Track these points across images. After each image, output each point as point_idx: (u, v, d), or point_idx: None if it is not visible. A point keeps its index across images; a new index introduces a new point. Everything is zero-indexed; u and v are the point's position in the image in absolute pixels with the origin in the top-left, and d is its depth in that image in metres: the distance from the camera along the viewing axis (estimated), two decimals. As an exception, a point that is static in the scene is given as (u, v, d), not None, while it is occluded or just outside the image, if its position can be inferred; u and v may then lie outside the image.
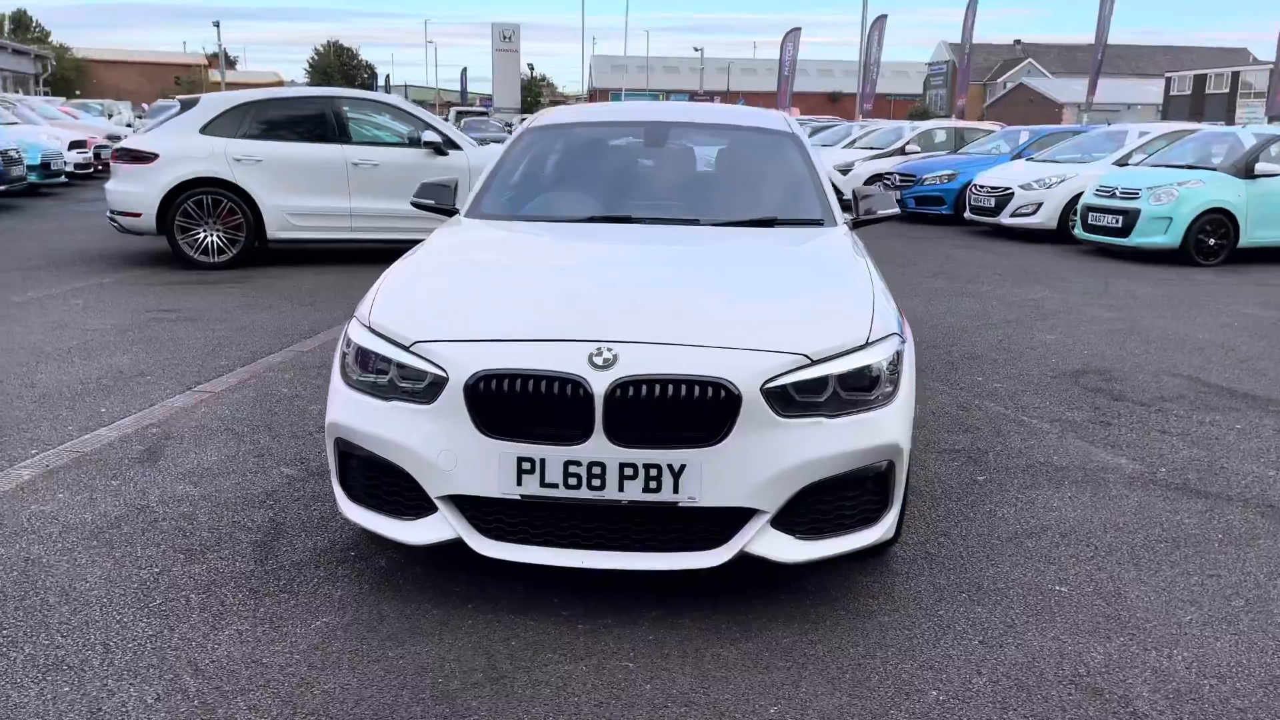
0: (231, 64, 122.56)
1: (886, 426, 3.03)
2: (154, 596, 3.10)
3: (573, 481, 2.86)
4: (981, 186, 14.17)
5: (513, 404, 2.87)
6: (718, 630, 2.98)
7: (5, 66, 56.86)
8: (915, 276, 10.15)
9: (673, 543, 2.96)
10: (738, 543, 2.94)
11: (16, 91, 53.76)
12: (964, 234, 14.24)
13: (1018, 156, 15.52)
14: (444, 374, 2.94)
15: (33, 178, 16.16)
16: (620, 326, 2.99)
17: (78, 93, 71.50)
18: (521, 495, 2.89)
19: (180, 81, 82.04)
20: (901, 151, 17.94)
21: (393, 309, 3.26)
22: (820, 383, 2.97)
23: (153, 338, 6.65)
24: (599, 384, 2.83)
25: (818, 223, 4.18)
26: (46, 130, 19.33)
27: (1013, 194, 13.63)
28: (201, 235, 9.53)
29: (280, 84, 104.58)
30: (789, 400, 2.93)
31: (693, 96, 71.16)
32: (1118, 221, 11.61)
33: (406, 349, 3.04)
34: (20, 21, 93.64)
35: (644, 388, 2.83)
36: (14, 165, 14.82)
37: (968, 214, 14.44)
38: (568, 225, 4.15)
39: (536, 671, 2.74)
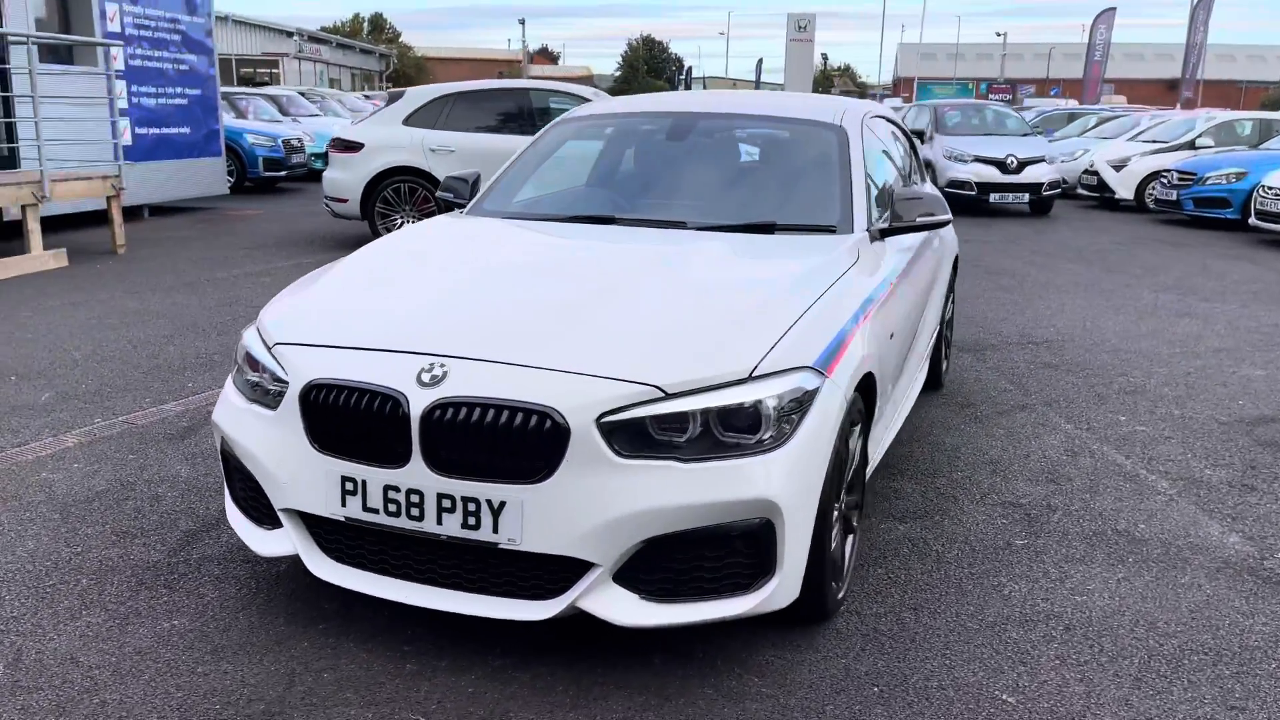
0: (554, 59, 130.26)
1: (760, 477, 2.53)
2: (51, 577, 3.18)
3: (392, 508, 2.61)
4: (1270, 188, 12.13)
5: (338, 418, 2.66)
6: (549, 692, 2.62)
7: (354, 64, 63.55)
8: (1142, 290, 8.83)
9: (504, 587, 2.64)
10: (570, 596, 2.56)
11: (363, 87, 59.90)
12: (1242, 242, 12.26)
13: (1332, 153, 13.16)
14: (286, 379, 2.78)
15: (317, 165, 17.80)
16: (465, 341, 2.69)
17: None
18: (345, 517, 2.68)
19: (503, 76, 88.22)
20: (1191, 146, 15.77)
21: (281, 307, 3.14)
22: (678, 419, 2.52)
23: (296, 318, 7.02)
24: (418, 403, 2.55)
25: (828, 229, 3.61)
26: (343, 123, 21.28)
27: (1308, 197, 11.55)
28: (399, 221, 10.02)
29: (588, 78, 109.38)
30: (638, 437, 2.51)
31: (991, 87, 66.94)
32: None
33: (270, 350, 2.91)
34: (377, 24, 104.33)
35: (464, 411, 2.52)
36: (295, 153, 16.41)
37: (1252, 220, 12.42)
38: (540, 224, 3.85)
39: (319, 712, 2.52)
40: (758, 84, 65.75)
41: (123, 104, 11.70)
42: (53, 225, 10.71)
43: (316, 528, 2.81)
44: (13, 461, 4.17)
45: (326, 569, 2.79)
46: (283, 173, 16.06)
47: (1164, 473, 4.34)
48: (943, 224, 3.75)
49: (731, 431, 2.56)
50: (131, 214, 12.19)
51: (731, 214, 3.76)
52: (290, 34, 51.22)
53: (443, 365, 2.60)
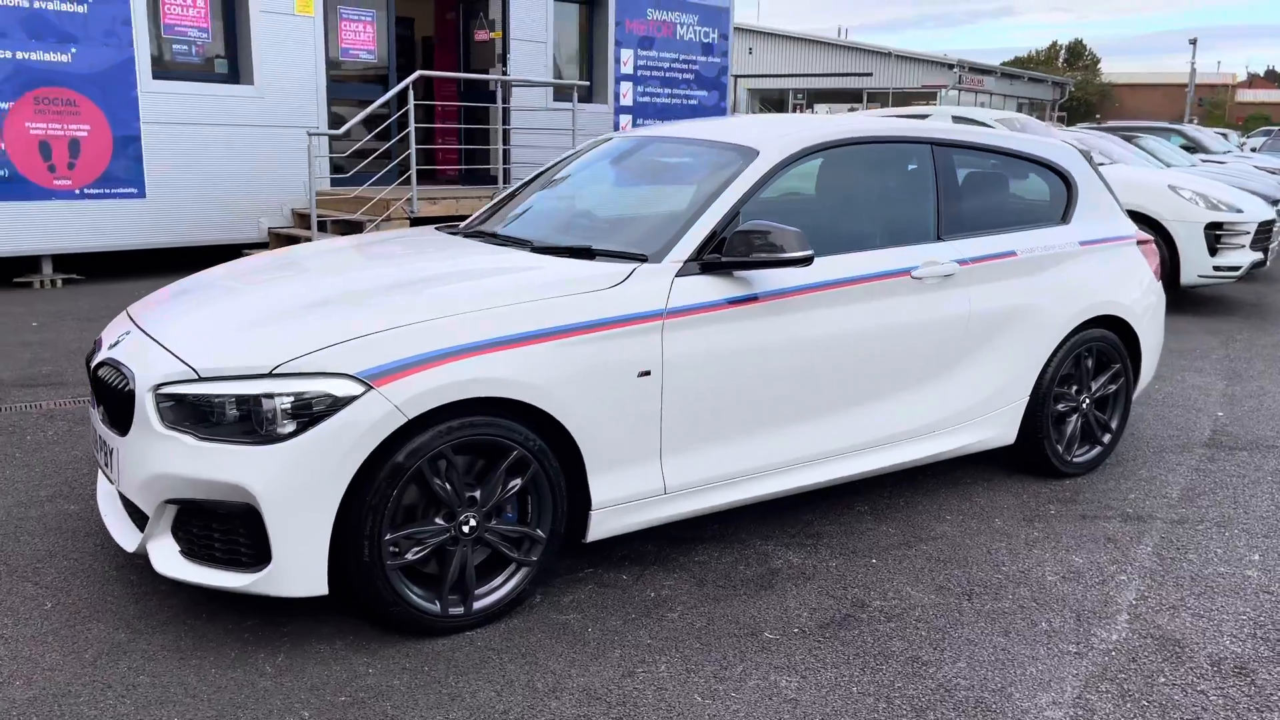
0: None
1: (242, 465, 2.76)
2: None
3: (98, 445, 3.32)
4: None
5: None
6: (112, 628, 3.11)
7: (1021, 94, 62.51)
8: None
9: (140, 521, 3.18)
10: (144, 537, 3.02)
11: (1031, 116, 58.63)
12: None
13: None
14: (106, 339, 3.64)
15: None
16: (160, 319, 3.28)
17: (1097, 116, 74.83)
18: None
19: (1204, 102, 79.18)
20: None
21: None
22: (206, 400, 2.84)
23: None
24: (96, 360, 3.23)
25: (639, 258, 3.37)
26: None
27: None
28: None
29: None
30: (182, 410, 2.88)
31: None
32: None
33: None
34: (1074, 51, 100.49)
35: (103, 369, 3.15)
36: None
37: None
38: (437, 236, 4.12)
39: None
40: None
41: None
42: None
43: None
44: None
45: (101, 492, 3.57)
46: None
47: (1151, 627, 3.16)
48: (790, 263, 3.27)
49: (252, 420, 2.80)
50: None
51: (565, 236, 3.72)
52: (951, 66, 52.20)
53: (128, 334, 3.24)
